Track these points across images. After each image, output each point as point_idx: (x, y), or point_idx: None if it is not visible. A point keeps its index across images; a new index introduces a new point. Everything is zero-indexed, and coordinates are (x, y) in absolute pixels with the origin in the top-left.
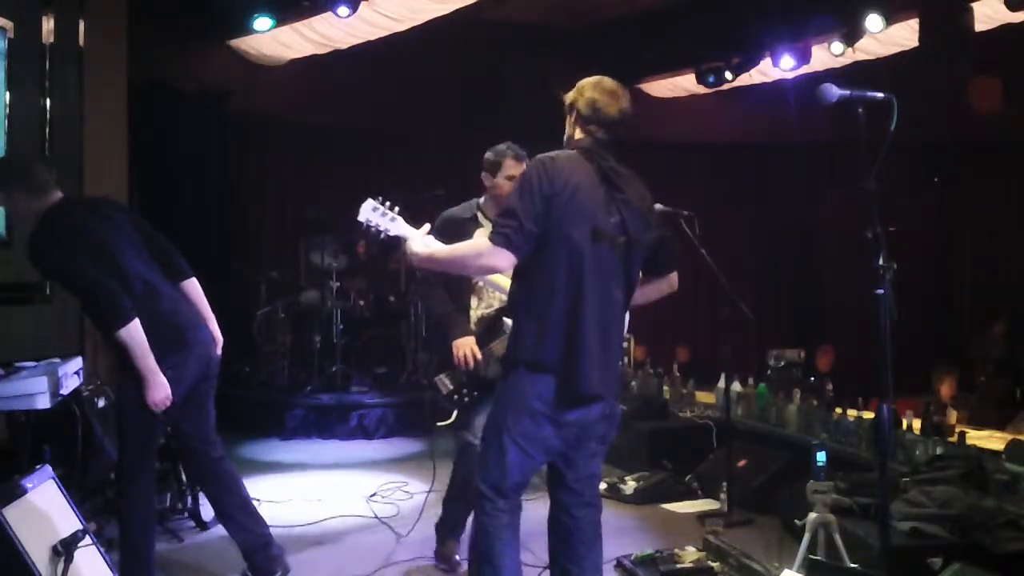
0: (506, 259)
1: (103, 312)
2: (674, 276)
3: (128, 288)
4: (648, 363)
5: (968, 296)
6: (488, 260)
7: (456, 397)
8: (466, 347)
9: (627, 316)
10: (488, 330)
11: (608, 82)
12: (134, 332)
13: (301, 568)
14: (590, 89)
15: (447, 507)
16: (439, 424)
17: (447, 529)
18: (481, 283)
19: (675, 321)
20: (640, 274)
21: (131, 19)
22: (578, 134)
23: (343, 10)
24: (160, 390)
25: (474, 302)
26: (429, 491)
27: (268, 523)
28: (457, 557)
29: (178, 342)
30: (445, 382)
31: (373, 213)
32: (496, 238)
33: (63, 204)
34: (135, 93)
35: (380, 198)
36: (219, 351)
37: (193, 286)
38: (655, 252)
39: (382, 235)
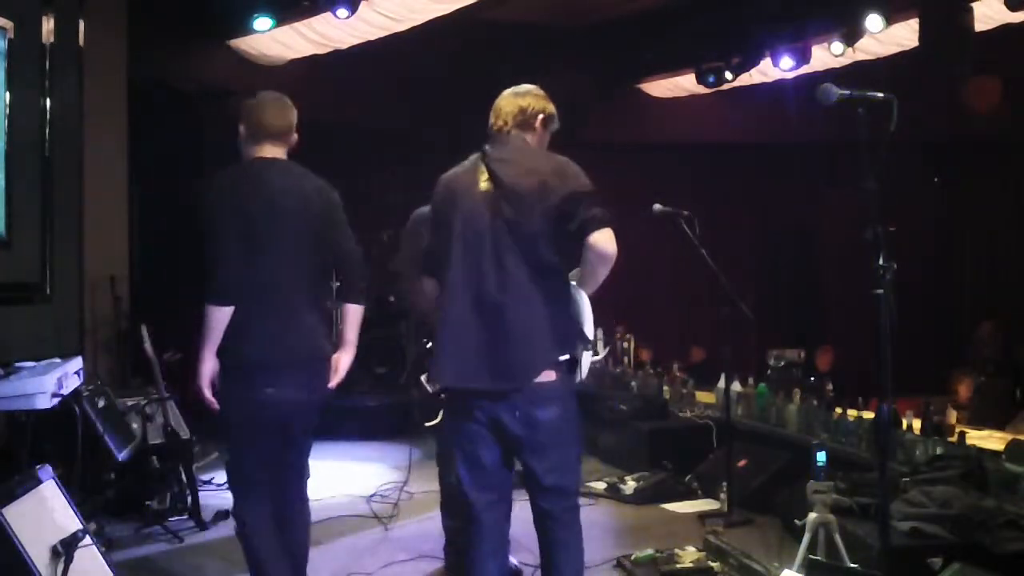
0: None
1: (208, 279)
2: (596, 239)
3: (243, 280)
4: (648, 363)
5: (968, 296)
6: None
7: (442, 396)
8: None
9: (582, 302)
10: None
11: (519, 87)
12: (217, 316)
13: None
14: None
15: (446, 528)
16: (427, 424)
17: (454, 549)
18: None
19: (675, 321)
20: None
21: (131, 19)
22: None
23: (342, 12)
24: (201, 379)
25: None
26: (402, 485)
27: None
28: None
29: (281, 362)
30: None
31: None
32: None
33: (262, 164)
34: (135, 93)
35: None
36: (331, 384)
37: (348, 312)
38: (560, 221)
39: None
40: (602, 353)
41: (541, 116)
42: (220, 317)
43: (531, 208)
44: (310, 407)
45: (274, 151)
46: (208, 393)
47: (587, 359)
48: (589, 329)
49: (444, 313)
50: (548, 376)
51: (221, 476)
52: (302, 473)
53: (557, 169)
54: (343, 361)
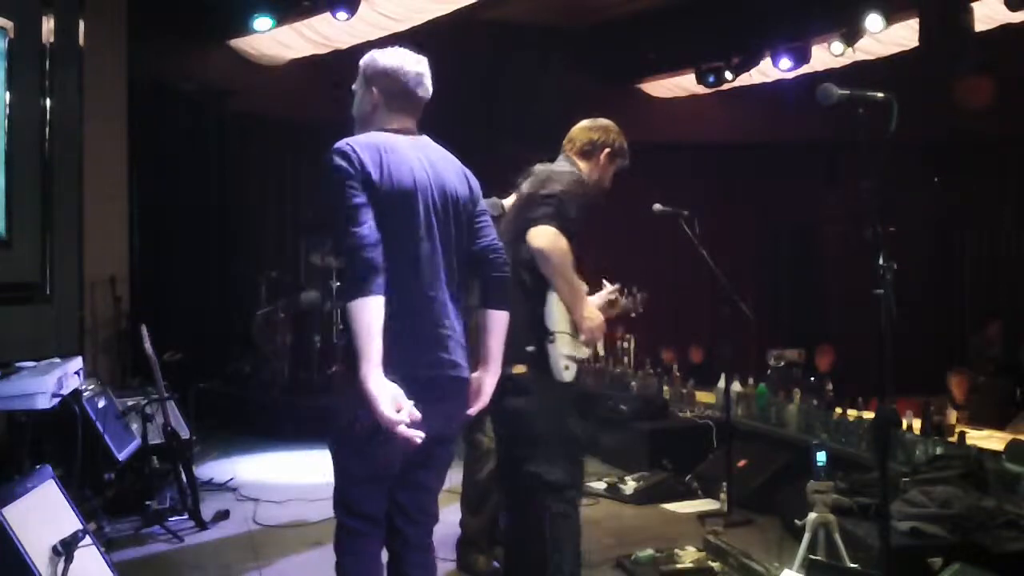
0: None
1: (351, 270)
2: (530, 236)
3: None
4: (648, 363)
5: (968, 296)
6: None
7: None
8: None
9: (549, 298)
10: None
11: (598, 120)
12: (370, 312)
13: (301, 568)
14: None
15: (463, 524)
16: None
17: (473, 546)
18: None
19: (675, 321)
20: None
21: (131, 19)
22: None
23: (342, 15)
24: (379, 404)
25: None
26: None
27: (268, 523)
28: (495, 564)
29: (421, 381)
30: None
31: None
32: None
33: (403, 140)
34: (135, 93)
35: None
36: (471, 411)
37: (494, 320)
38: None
39: None
40: (588, 351)
41: (607, 150)
42: (374, 312)
43: (521, 215)
44: (443, 441)
45: (408, 123)
46: (395, 414)
47: (559, 355)
48: (551, 323)
49: None
50: (519, 369)
51: (221, 476)
52: (427, 517)
53: (547, 181)
54: (487, 383)
